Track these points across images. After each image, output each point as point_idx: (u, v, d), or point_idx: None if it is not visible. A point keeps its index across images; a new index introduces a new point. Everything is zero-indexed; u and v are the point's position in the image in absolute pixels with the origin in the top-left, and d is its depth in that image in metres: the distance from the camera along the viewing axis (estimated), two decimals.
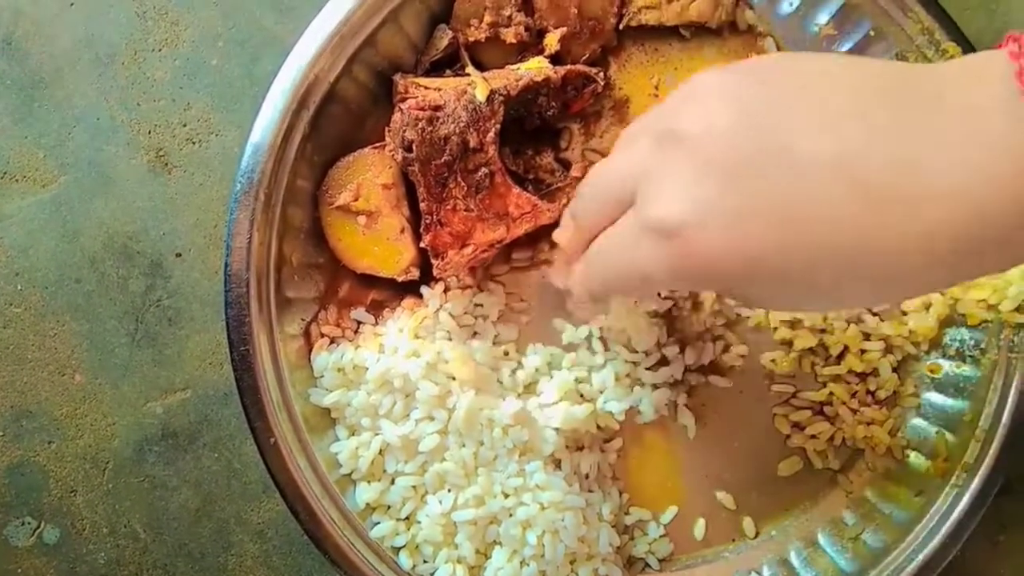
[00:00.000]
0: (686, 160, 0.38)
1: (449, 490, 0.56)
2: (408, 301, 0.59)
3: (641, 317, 0.59)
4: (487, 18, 0.57)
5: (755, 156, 0.37)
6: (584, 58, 0.60)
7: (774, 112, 0.37)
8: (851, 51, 0.60)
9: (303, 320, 0.58)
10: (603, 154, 0.61)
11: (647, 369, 0.60)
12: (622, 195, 0.42)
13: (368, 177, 0.57)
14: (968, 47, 0.57)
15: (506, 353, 0.60)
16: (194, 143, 0.63)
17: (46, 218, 0.63)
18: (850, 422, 0.60)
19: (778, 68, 0.40)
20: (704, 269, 0.38)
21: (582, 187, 0.48)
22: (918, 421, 0.60)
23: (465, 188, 0.54)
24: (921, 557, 0.56)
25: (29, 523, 0.64)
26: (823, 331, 0.61)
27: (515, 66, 0.58)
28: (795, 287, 0.38)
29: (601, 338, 0.60)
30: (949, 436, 0.58)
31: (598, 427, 0.60)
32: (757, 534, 0.62)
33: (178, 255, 0.63)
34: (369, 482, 0.57)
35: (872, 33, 0.59)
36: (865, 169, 0.35)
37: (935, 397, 0.60)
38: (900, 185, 0.35)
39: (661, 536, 0.61)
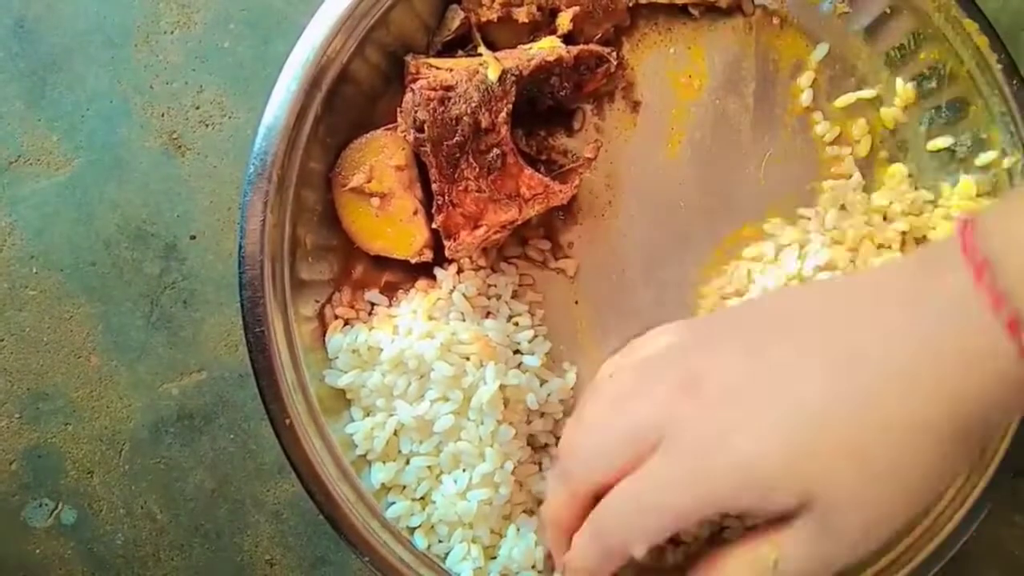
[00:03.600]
0: (698, 403, 0.45)
1: (464, 470, 0.56)
2: (421, 282, 0.59)
3: None
4: None
5: (746, 385, 0.44)
6: (597, 38, 0.59)
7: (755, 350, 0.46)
8: (867, 28, 0.59)
9: (317, 302, 0.59)
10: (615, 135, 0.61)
11: None
12: (642, 446, 0.46)
13: (381, 158, 0.57)
14: (985, 23, 0.56)
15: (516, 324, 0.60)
16: (207, 125, 0.63)
17: (60, 201, 0.63)
18: None
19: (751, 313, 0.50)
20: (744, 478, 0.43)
21: (574, 450, 0.51)
22: None
23: (477, 169, 0.54)
24: (937, 539, 0.56)
25: (47, 504, 0.64)
26: None
27: (527, 46, 0.57)
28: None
29: None
30: None
31: None
32: None
33: (192, 237, 0.63)
34: (384, 462, 0.57)
35: (888, 11, 0.58)
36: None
37: None
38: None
39: None
